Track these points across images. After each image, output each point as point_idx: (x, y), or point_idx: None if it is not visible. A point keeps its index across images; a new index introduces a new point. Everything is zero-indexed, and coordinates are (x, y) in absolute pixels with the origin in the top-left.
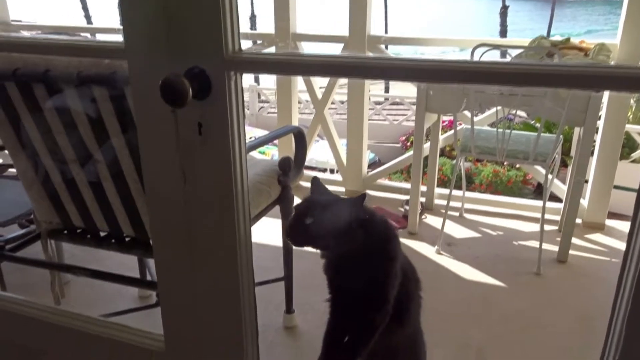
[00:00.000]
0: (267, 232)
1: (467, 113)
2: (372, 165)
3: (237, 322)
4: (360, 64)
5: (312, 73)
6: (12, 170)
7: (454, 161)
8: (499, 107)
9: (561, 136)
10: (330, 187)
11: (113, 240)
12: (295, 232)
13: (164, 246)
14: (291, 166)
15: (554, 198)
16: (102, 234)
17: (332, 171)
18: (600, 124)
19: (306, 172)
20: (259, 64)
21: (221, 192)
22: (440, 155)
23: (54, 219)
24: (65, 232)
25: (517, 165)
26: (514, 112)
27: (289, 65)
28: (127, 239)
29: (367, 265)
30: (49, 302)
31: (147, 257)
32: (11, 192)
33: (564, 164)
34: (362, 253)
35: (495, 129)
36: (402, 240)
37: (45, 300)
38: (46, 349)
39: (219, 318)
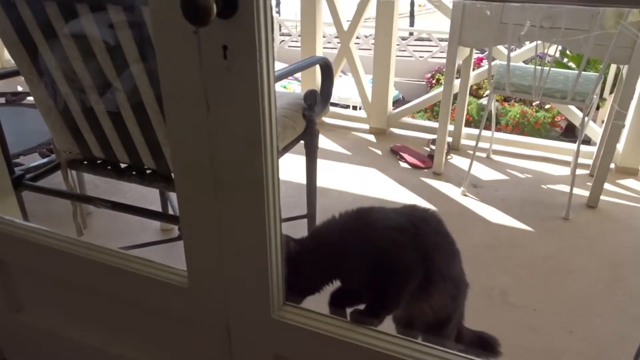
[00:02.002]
0: (290, 167)
1: (502, 48)
2: (396, 102)
3: (263, 259)
4: None
5: None
6: (32, 98)
7: (480, 100)
8: (539, 42)
9: (602, 75)
10: (353, 124)
11: (134, 173)
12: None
13: (187, 180)
14: (317, 100)
15: (587, 141)
16: (122, 165)
17: (354, 107)
18: None
19: (330, 107)
20: None
21: (248, 123)
22: None
23: (73, 149)
24: (85, 162)
25: (547, 106)
26: (547, 49)
27: None
28: (148, 172)
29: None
30: (71, 232)
31: (169, 190)
32: (32, 121)
33: (596, 107)
34: None
35: (531, 66)
36: (427, 180)
37: (68, 231)
38: (69, 279)
39: (244, 255)
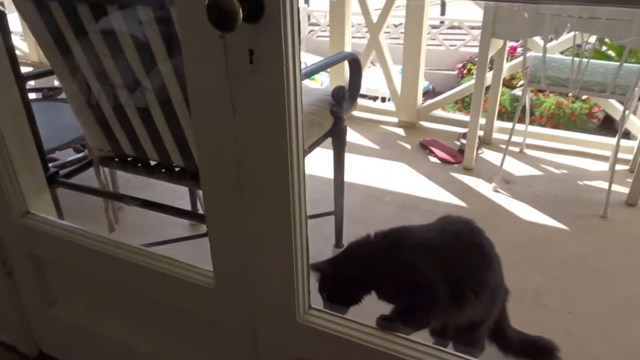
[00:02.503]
0: (318, 162)
1: (538, 39)
2: (426, 94)
3: (289, 260)
4: None
5: None
6: None
7: (513, 91)
8: (577, 33)
9: None
10: (382, 118)
11: (163, 170)
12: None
13: (213, 182)
14: (345, 96)
15: (626, 134)
16: (152, 163)
17: (383, 99)
18: None
19: (360, 100)
20: None
21: (273, 126)
22: None
23: (105, 146)
24: (116, 159)
25: (584, 97)
26: (586, 39)
27: None
28: (176, 169)
29: None
30: (104, 227)
31: (197, 188)
32: (67, 116)
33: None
34: None
35: (568, 58)
36: (458, 175)
37: (100, 225)
38: (99, 276)
39: (270, 258)
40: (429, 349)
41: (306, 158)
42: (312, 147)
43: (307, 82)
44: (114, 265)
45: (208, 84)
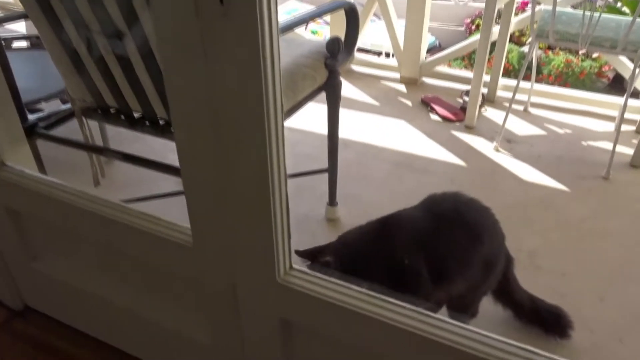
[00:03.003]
0: (314, 118)
1: None
2: (432, 50)
3: (267, 218)
4: None
5: None
6: None
7: (522, 48)
8: None
9: None
10: (384, 73)
11: (147, 123)
12: None
13: (186, 132)
14: (340, 48)
15: (635, 94)
16: (136, 115)
17: (387, 55)
18: None
19: (360, 55)
20: None
21: (247, 73)
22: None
23: (86, 97)
24: (99, 111)
25: (594, 55)
26: None
27: None
28: (161, 122)
29: None
30: (91, 180)
31: None
32: (53, 66)
33: None
34: None
35: (579, 12)
36: (458, 134)
37: (88, 179)
38: (78, 231)
39: (248, 214)
40: (415, 314)
41: (301, 113)
42: (305, 100)
43: (306, 35)
44: (92, 221)
45: (177, 26)
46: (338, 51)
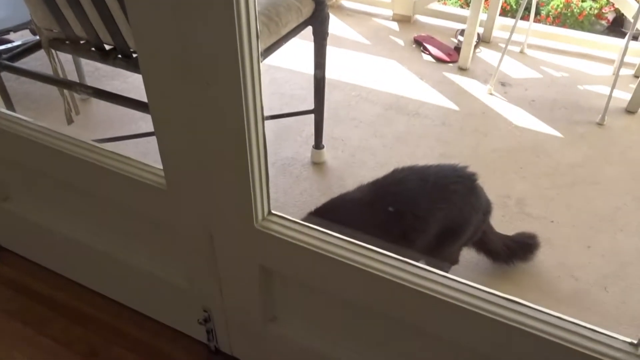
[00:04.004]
0: (302, 56)
1: None
2: None
3: (243, 161)
4: None
5: None
6: None
7: None
8: None
9: None
10: (376, 10)
11: (119, 56)
12: None
13: (153, 66)
14: None
15: (636, 37)
16: (107, 47)
17: None
18: None
19: None
20: None
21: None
22: None
23: (53, 26)
24: (67, 42)
25: None
26: None
27: None
28: (134, 55)
29: None
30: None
31: None
32: None
33: None
34: None
35: None
36: (451, 76)
37: (61, 117)
38: (49, 172)
39: (222, 156)
40: (395, 261)
41: (288, 50)
42: (290, 35)
43: None
44: (61, 161)
45: None
46: None
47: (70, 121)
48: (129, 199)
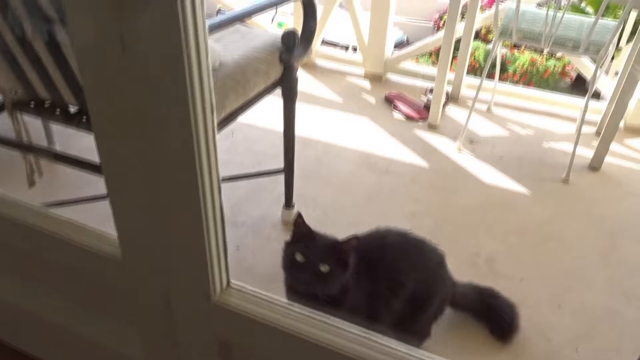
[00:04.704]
0: (273, 114)
1: None
2: (400, 45)
3: (198, 231)
4: None
5: None
6: None
7: (489, 46)
8: None
9: (622, 23)
10: (349, 68)
11: (84, 118)
12: (304, 280)
13: (107, 131)
14: (296, 42)
15: (597, 94)
16: (72, 109)
17: (355, 49)
18: None
19: (327, 49)
20: None
21: (170, 69)
22: (474, 38)
23: (17, 88)
24: (32, 104)
25: (558, 55)
26: None
27: None
28: None
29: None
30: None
31: None
32: None
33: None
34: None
35: (543, 10)
36: (421, 133)
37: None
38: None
39: (178, 226)
40: (362, 338)
41: (260, 108)
42: (258, 97)
43: (272, 28)
44: (10, 228)
45: (91, 13)
46: (294, 45)
47: (32, 184)
48: (82, 269)
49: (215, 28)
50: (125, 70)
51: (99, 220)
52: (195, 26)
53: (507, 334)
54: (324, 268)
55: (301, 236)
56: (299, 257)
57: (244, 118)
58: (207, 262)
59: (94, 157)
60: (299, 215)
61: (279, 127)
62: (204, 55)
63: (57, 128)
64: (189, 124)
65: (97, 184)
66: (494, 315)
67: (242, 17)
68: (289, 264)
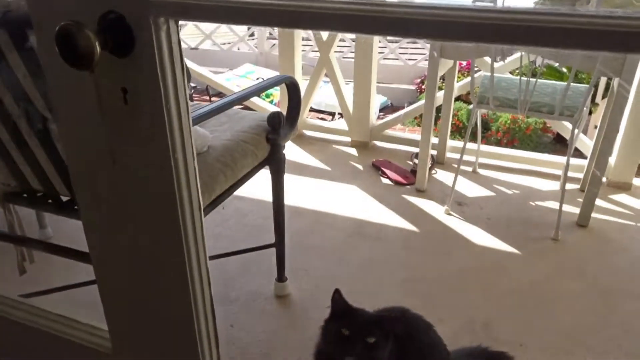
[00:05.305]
0: (263, 186)
1: (487, 59)
2: (385, 109)
3: (189, 324)
4: (325, 10)
5: (273, 22)
6: None
7: (471, 106)
8: (523, 53)
9: (592, 87)
10: (335, 137)
11: (76, 207)
12: (355, 352)
13: (100, 243)
14: (282, 122)
15: (578, 153)
16: (64, 198)
17: (341, 115)
18: (638, 71)
19: (313, 116)
20: (198, 9)
21: (158, 179)
22: (457, 100)
23: (10, 181)
24: (24, 195)
25: None
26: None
27: (242, 11)
28: None
29: None
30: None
31: None
32: None
33: (589, 112)
34: None
35: (517, 77)
36: (410, 198)
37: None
38: None
39: (168, 319)
40: None
41: (251, 181)
42: (247, 177)
43: (255, 102)
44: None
45: (82, 128)
46: (280, 125)
47: (22, 272)
48: None
49: (205, 117)
50: (117, 181)
51: (94, 303)
52: (182, 135)
53: None
54: (371, 340)
55: (341, 311)
56: (344, 331)
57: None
58: (198, 351)
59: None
60: (337, 291)
61: (269, 197)
62: (191, 156)
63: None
64: (178, 227)
65: (89, 268)
66: None
67: (230, 105)
68: (336, 339)
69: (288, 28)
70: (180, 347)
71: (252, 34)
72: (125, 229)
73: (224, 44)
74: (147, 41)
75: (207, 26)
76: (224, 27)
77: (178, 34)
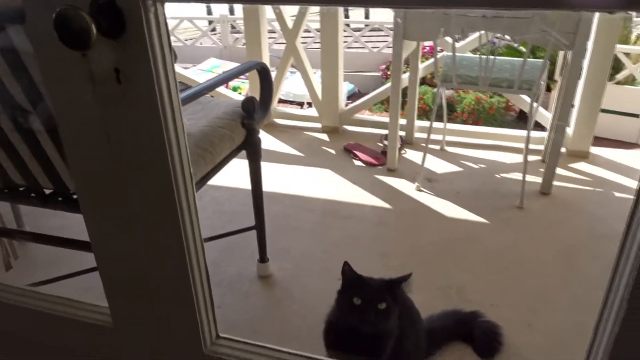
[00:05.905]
0: (239, 174)
1: (449, 39)
2: (352, 96)
3: (187, 290)
4: None
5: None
6: None
7: (436, 89)
8: (482, 32)
9: (547, 61)
10: (306, 124)
11: (60, 199)
12: (368, 320)
13: (96, 214)
14: (256, 107)
15: (538, 126)
16: (47, 191)
17: (310, 104)
18: (589, 45)
19: (282, 106)
20: None
21: (153, 153)
22: (422, 84)
23: None
24: (6, 190)
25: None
26: (498, 36)
27: None
28: (75, 197)
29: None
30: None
31: None
32: None
33: (548, 88)
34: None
35: (477, 56)
36: (382, 177)
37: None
38: None
39: (166, 287)
40: None
41: (226, 169)
42: (225, 161)
43: (227, 93)
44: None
45: (76, 107)
46: (254, 110)
47: (8, 267)
48: (73, 341)
49: (190, 99)
50: (111, 158)
51: (80, 293)
52: (172, 112)
53: (494, 351)
54: (382, 306)
55: (351, 282)
56: (356, 300)
57: (210, 180)
58: (196, 315)
59: (64, 235)
60: (346, 263)
61: (245, 185)
62: (183, 136)
63: (24, 210)
64: (172, 194)
65: (72, 259)
66: (480, 335)
67: (207, 90)
68: (348, 308)
69: (266, 4)
70: (180, 310)
71: (213, 29)
72: (123, 204)
73: (187, 39)
74: (137, 23)
75: (169, 22)
76: (186, 23)
77: (165, 15)
